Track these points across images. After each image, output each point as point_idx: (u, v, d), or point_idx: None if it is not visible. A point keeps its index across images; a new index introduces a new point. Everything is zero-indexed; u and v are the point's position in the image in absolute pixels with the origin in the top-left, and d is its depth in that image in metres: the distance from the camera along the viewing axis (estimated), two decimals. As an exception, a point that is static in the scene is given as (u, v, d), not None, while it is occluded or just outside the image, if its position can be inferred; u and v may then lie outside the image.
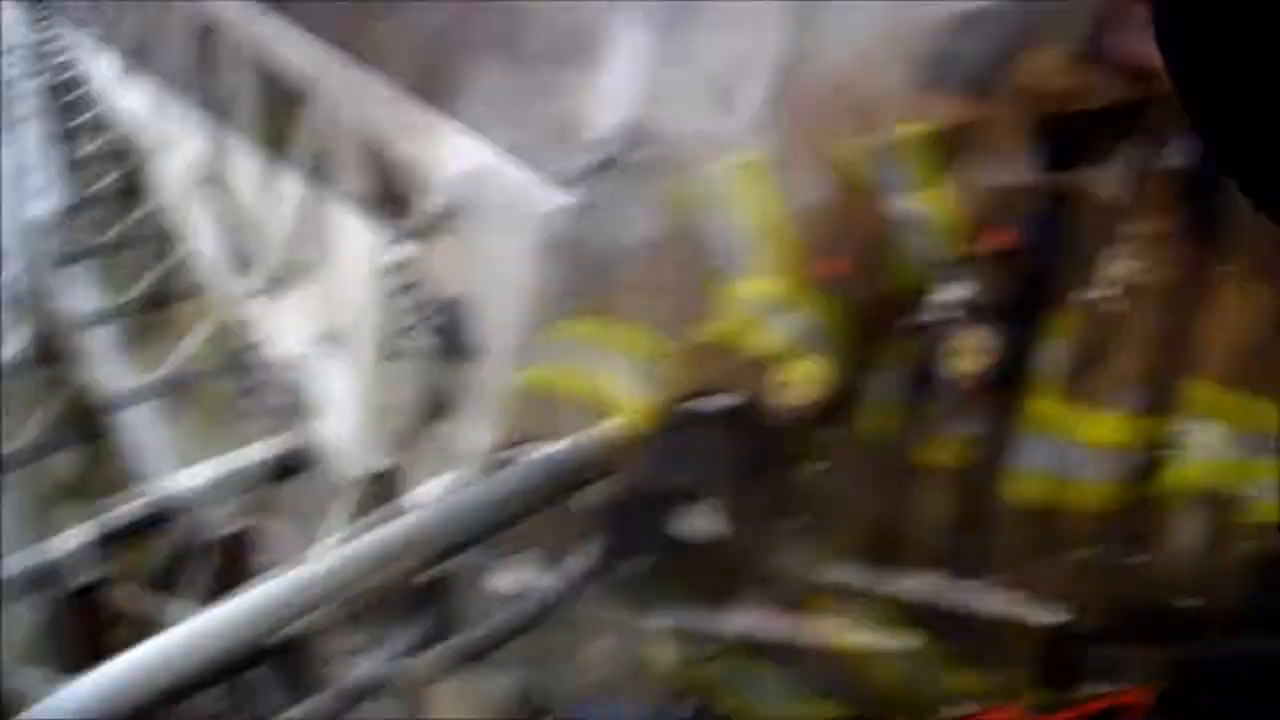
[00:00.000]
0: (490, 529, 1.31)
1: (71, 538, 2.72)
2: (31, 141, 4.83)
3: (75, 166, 5.91)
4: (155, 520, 2.88)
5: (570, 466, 1.29)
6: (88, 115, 6.03)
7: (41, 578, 2.61)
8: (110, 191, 5.38)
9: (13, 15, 7.62)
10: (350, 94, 2.56)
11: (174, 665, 1.09)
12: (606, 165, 2.72)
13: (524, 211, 1.98)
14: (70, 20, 7.02)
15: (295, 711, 1.49)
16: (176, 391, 3.70)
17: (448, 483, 2.46)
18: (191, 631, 1.11)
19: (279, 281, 3.26)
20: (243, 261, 3.46)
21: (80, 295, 5.33)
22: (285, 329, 3.14)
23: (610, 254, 1.67)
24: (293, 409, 2.93)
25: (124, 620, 2.70)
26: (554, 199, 2.01)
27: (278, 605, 1.16)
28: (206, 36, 4.01)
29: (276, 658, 1.23)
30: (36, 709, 1.02)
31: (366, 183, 2.53)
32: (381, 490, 2.45)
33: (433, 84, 2.63)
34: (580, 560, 1.45)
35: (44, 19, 8.50)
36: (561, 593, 1.43)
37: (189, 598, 2.74)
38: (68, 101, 6.48)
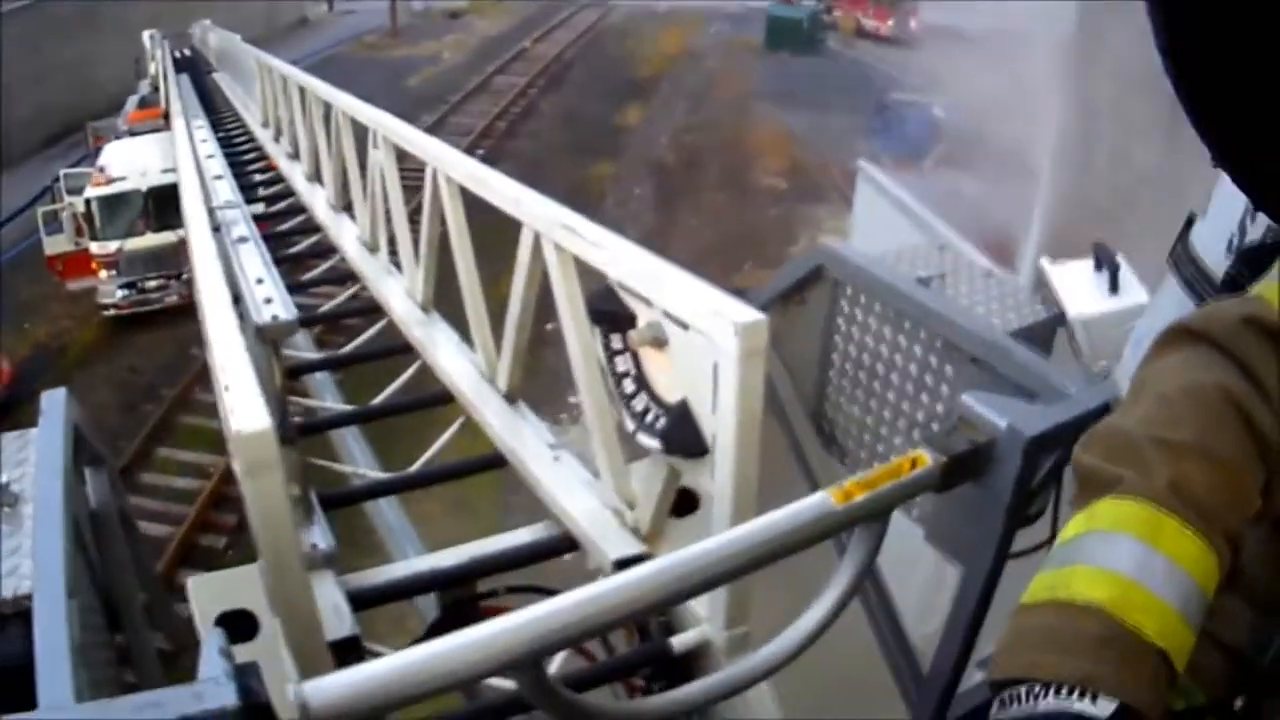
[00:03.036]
0: (733, 572, 1.40)
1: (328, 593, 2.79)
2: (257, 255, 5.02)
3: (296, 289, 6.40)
4: (412, 590, 3.03)
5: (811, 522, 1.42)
6: (311, 241, 6.52)
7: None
8: (344, 309, 5.80)
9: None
10: (559, 224, 2.85)
11: (422, 676, 1.18)
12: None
13: (726, 325, 2.23)
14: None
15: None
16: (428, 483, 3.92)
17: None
18: (442, 648, 1.22)
19: (516, 392, 3.60)
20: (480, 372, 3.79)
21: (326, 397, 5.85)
22: (529, 430, 3.45)
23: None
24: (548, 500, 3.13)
25: None
26: (751, 314, 2.30)
27: (529, 632, 1.24)
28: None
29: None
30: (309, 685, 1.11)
31: (588, 301, 2.79)
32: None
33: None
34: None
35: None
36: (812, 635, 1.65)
37: None
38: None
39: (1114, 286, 3.53)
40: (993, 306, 3.77)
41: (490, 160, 23.15)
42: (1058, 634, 1.09)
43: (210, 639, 1.26)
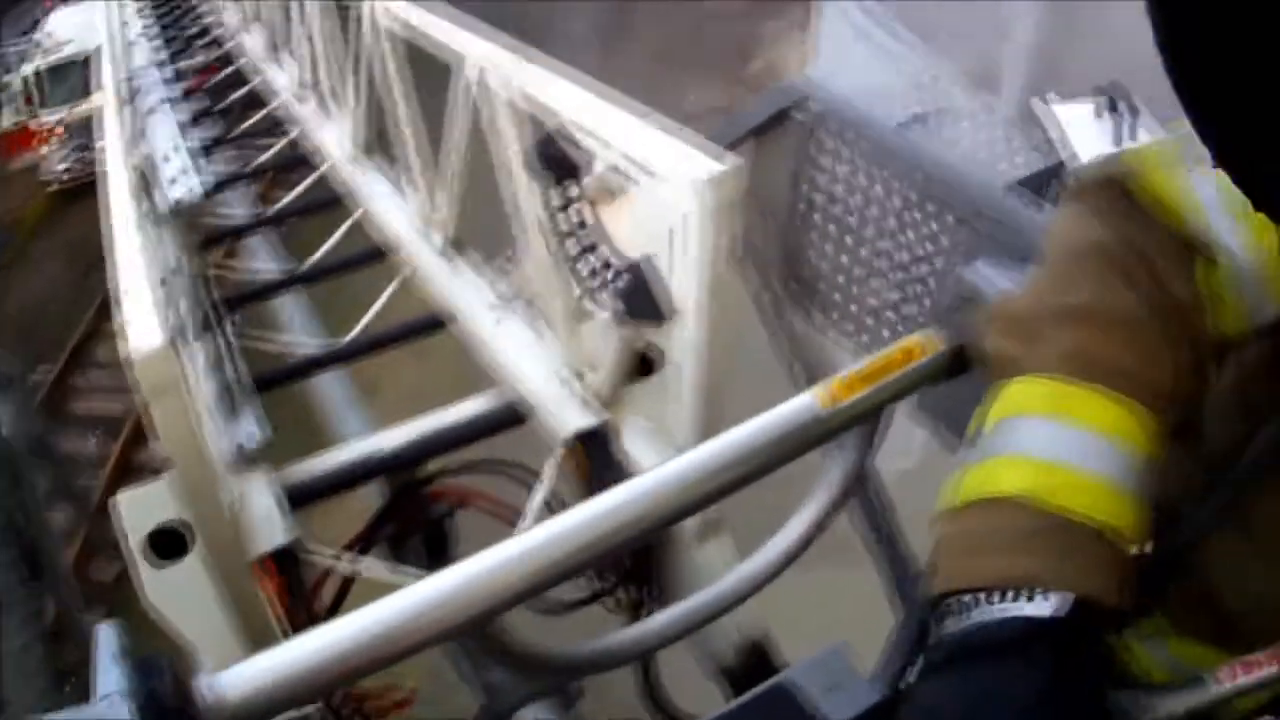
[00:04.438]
0: (712, 495, 1.26)
1: (258, 494, 2.63)
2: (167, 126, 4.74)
3: (228, 143, 6.13)
4: (354, 479, 2.82)
5: (797, 431, 1.24)
6: (241, 92, 6.17)
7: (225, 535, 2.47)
8: (274, 163, 5.45)
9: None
10: (505, 66, 2.56)
11: (383, 640, 1.02)
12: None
13: (696, 174, 2.00)
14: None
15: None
16: (370, 351, 3.68)
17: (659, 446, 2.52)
18: (412, 601, 1.03)
19: (459, 244, 3.35)
20: (421, 223, 3.52)
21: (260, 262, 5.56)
22: (469, 290, 3.21)
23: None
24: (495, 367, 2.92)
25: (323, 583, 2.62)
26: (726, 161, 2.06)
27: (502, 575, 1.09)
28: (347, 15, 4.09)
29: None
30: (220, 677, 0.99)
31: (531, 151, 2.52)
32: (592, 448, 2.52)
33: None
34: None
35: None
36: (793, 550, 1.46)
37: (397, 558, 2.75)
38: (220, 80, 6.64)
39: (1130, 133, 3.20)
40: (980, 155, 3.46)
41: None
42: (984, 535, 1.02)
43: (103, 641, 1.06)
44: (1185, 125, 1.17)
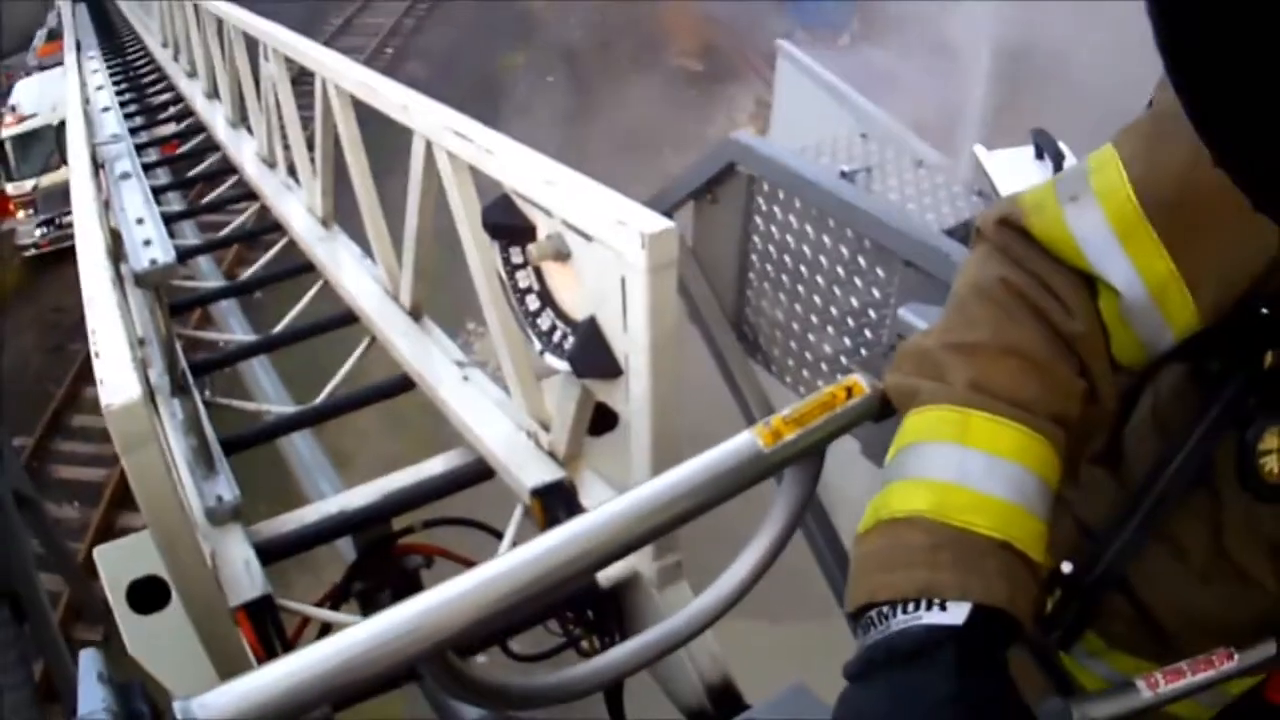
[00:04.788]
0: (658, 530, 1.27)
1: (236, 549, 2.68)
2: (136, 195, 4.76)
3: (197, 213, 6.15)
4: (322, 536, 2.87)
5: (738, 468, 1.26)
6: (208, 162, 6.23)
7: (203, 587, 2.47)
8: (242, 232, 5.50)
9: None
10: (453, 136, 2.63)
11: (345, 668, 1.04)
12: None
13: (632, 236, 2.05)
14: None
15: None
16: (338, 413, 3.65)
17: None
18: (372, 631, 1.06)
19: (420, 308, 3.43)
20: (384, 288, 3.61)
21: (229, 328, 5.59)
22: (433, 351, 3.28)
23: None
24: (459, 426, 2.98)
25: (300, 636, 2.69)
26: (659, 223, 2.13)
27: (454, 608, 1.11)
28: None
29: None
30: (195, 702, 0.99)
31: (483, 217, 2.59)
32: (551, 502, 2.56)
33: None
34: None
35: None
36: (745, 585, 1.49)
37: (367, 612, 2.76)
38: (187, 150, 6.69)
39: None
40: (925, 201, 3.57)
41: (400, 57, 22.71)
42: (892, 552, 1.07)
43: (85, 663, 1.13)
44: (1080, 163, 1.25)
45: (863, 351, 3.25)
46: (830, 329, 3.37)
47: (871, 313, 3.16)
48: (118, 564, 2.51)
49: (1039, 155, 3.47)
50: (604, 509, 1.26)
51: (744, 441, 1.33)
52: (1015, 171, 3.41)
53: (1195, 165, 0.97)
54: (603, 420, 2.59)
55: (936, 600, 1.01)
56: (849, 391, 1.43)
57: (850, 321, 3.25)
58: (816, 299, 3.37)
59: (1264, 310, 1.15)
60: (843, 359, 3.40)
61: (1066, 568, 1.32)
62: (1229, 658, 1.10)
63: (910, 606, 1.02)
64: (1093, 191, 1.16)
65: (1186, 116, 0.72)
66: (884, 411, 1.42)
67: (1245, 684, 1.25)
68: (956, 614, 1.00)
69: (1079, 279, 1.16)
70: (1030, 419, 1.11)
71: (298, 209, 4.44)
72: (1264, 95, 0.67)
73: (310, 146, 4.14)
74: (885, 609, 1.03)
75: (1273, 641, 1.13)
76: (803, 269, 3.38)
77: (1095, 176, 1.17)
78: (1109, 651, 1.39)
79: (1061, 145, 3.42)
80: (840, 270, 3.23)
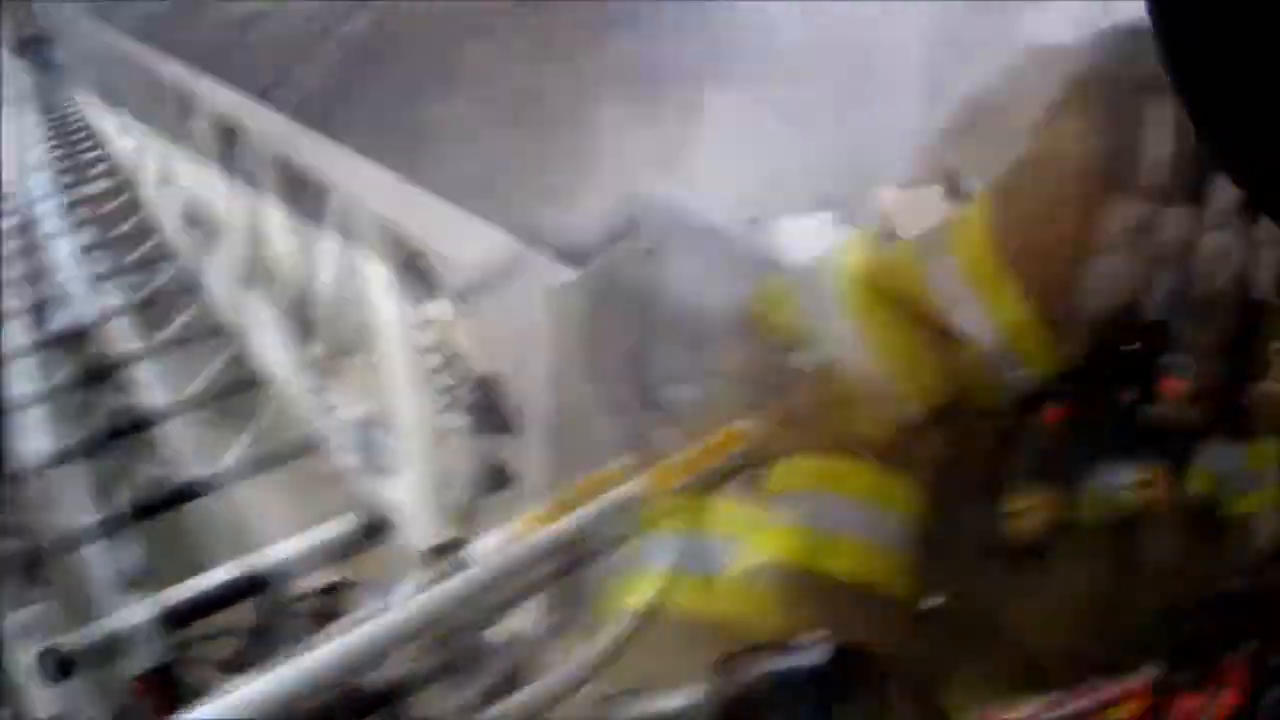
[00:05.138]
0: (554, 575, 1.34)
1: (137, 616, 2.67)
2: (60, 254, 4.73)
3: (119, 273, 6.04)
4: (225, 600, 2.84)
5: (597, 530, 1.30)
6: (131, 222, 6.14)
7: (105, 656, 2.51)
8: (160, 293, 5.43)
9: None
10: (366, 186, 2.66)
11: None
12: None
13: (537, 288, 2.10)
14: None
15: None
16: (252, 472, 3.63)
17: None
18: (275, 678, 1.12)
19: (330, 363, 3.40)
20: (297, 346, 3.58)
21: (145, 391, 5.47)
22: (341, 408, 3.24)
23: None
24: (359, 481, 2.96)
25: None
26: (564, 274, 2.14)
27: (353, 653, 1.18)
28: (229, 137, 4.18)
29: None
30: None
31: (392, 267, 2.60)
32: (451, 561, 2.53)
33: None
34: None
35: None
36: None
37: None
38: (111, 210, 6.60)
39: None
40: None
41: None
42: (759, 599, 1.15)
43: None
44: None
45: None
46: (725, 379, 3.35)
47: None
48: (24, 634, 2.52)
49: (950, 196, 3.45)
50: (490, 559, 1.24)
51: (628, 491, 1.31)
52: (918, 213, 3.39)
53: (1052, 215, 0.99)
54: (501, 478, 2.54)
55: (803, 643, 1.07)
56: (736, 438, 1.43)
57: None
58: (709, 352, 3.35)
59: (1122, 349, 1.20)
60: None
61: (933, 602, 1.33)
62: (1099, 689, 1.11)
63: (781, 649, 1.08)
64: (949, 243, 1.18)
65: (1186, 116, 0.74)
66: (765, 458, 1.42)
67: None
68: (819, 654, 1.05)
69: (940, 330, 1.21)
70: (894, 461, 1.17)
71: (217, 267, 4.41)
72: (1263, 95, 0.67)
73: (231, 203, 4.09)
74: (758, 652, 1.08)
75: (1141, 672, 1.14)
76: (708, 320, 3.36)
77: (955, 229, 1.19)
78: (988, 686, 1.39)
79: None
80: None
